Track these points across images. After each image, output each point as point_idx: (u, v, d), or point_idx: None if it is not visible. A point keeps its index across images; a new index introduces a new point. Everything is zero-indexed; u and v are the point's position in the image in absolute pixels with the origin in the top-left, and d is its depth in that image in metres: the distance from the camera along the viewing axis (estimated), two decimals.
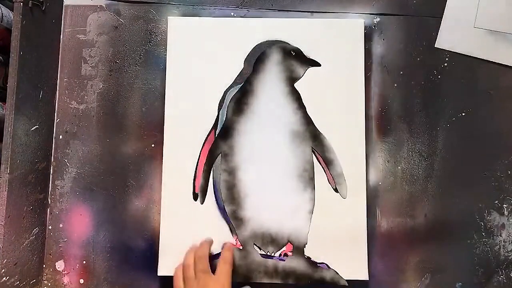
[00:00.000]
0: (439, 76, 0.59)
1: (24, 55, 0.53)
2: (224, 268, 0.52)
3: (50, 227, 0.59)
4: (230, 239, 0.57)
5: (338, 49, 0.58)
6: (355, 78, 0.58)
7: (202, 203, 0.57)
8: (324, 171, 0.57)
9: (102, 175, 0.60)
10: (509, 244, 0.57)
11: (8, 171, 0.51)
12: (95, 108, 0.60)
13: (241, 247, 0.56)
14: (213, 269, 0.52)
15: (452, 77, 0.59)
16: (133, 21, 0.61)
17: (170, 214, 0.57)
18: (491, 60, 0.59)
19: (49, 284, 0.59)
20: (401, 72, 0.59)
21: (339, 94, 0.58)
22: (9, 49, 0.52)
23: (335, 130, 0.57)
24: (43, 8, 0.56)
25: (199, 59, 0.58)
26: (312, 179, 0.57)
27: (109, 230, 0.59)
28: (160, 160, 0.58)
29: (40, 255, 0.58)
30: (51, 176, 0.60)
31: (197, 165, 0.57)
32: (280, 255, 0.56)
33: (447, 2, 0.59)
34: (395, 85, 0.59)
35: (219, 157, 0.57)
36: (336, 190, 0.57)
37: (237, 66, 0.58)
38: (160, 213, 0.57)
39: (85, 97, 0.60)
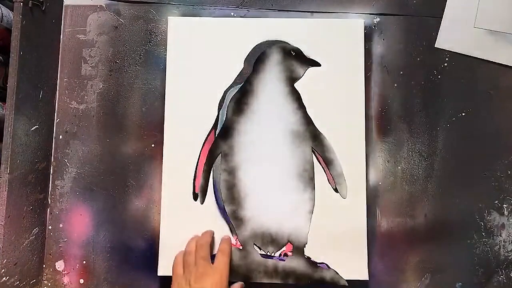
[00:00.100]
0: (439, 76, 0.59)
1: (24, 55, 0.53)
2: (222, 259, 0.52)
3: (50, 227, 0.59)
4: (231, 239, 0.56)
5: (338, 49, 0.58)
6: (355, 78, 0.58)
7: (202, 203, 0.57)
8: (324, 171, 0.57)
9: (102, 175, 0.60)
10: (509, 244, 0.57)
11: (8, 171, 0.51)
12: (95, 108, 0.60)
13: (241, 247, 0.56)
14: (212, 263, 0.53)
15: (452, 77, 0.59)
16: (133, 21, 0.61)
17: (170, 214, 0.57)
18: (491, 60, 0.59)
19: (49, 284, 0.59)
20: (401, 72, 0.59)
21: (339, 94, 0.58)
22: (9, 49, 0.52)
23: (335, 130, 0.57)
24: (43, 8, 0.56)
25: (199, 59, 0.58)
26: (312, 179, 0.57)
27: (109, 230, 0.59)
28: (160, 160, 0.58)
29: (40, 255, 0.58)
30: (51, 176, 0.60)
31: (197, 165, 0.57)
32: (280, 255, 0.56)
33: (447, 2, 0.59)
34: (395, 85, 0.59)
35: (219, 157, 0.57)
36: (336, 190, 0.57)
37: (237, 66, 0.58)
38: (160, 213, 0.57)
39: (85, 97, 0.60)
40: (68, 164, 0.60)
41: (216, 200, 0.57)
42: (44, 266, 0.59)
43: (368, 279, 0.56)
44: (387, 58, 0.59)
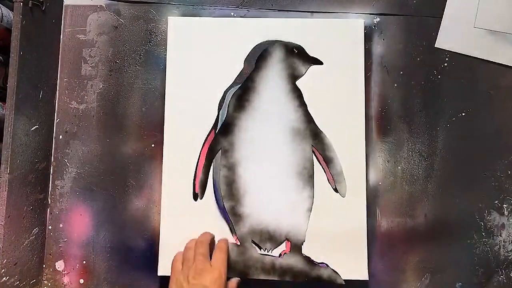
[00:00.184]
0: (439, 76, 0.59)
1: (24, 55, 0.53)
2: (220, 256, 0.52)
3: (50, 227, 0.59)
4: (230, 238, 0.57)
5: (338, 49, 0.58)
6: (355, 78, 0.58)
7: (201, 198, 0.57)
8: (324, 170, 0.57)
9: (102, 175, 0.60)
10: (509, 244, 0.57)
11: (8, 171, 0.51)
12: (95, 108, 0.60)
13: (239, 243, 0.56)
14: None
15: (452, 77, 0.59)
16: (133, 21, 0.61)
17: (170, 214, 0.57)
18: (491, 60, 0.59)
19: (49, 284, 0.59)
20: (401, 72, 0.59)
21: (339, 94, 0.58)
22: (9, 49, 0.52)
23: (335, 130, 0.57)
24: (43, 8, 0.56)
25: (199, 59, 0.58)
26: (311, 177, 0.57)
27: (109, 230, 0.59)
28: (160, 160, 0.58)
29: (40, 255, 0.58)
30: (51, 176, 0.60)
31: (197, 165, 0.57)
32: (280, 255, 0.56)
33: (447, 2, 0.59)
34: (395, 85, 0.59)
35: (219, 153, 0.57)
36: (336, 190, 0.57)
37: (237, 66, 0.58)
38: (160, 213, 0.57)
39: (85, 97, 0.60)
40: (68, 164, 0.60)
41: (216, 200, 0.57)
42: (44, 266, 0.59)
43: (368, 279, 0.55)
44: (387, 58, 0.59)
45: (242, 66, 0.58)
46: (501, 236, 0.57)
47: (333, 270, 0.55)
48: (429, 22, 0.60)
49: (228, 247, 0.55)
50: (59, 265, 0.59)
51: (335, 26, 0.59)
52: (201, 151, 0.57)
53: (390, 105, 0.59)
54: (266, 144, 0.57)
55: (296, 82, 0.58)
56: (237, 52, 0.58)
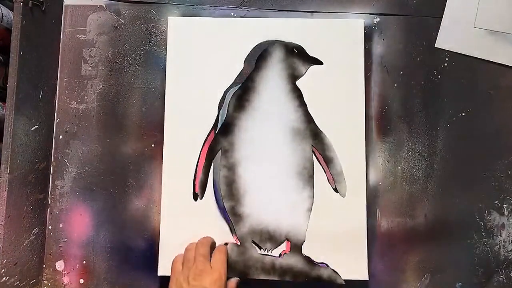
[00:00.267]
0: (439, 76, 0.59)
1: (24, 55, 0.53)
2: (219, 257, 0.52)
3: (50, 227, 0.59)
4: (230, 239, 0.57)
5: (338, 49, 0.58)
6: (355, 78, 0.58)
7: (201, 198, 0.57)
8: (324, 170, 0.57)
9: (102, 175, 0.60)
10: (509, 244, 0.57)
11: (8, 171, 0.51)
12: (95, 108, 0.60)
13: (239, 243, 0.56)
14: None
15: (452, 77, 0.59)
16: (133, 21, 0.61)
17: (170, 214, 0.57)
18: (491, 60, 0.59)
19: (49, 284, 0.59)
20: (401, 72, 0.59)
21: (339, 94, 0.58)
22: (9, 49, 0.52)
23: (335, 130, 0.57)
24: (43, 8, 0.56)
25: (199, 59, 0.58)
26: (311, 177, 0.57)
27: (109, 230, 0.59)
28: (160, 160, 0.58)
29: (40, 255, 0.58)
30: (51, 176, 0.60)
31: (197, 165, 0.57)
32: (280, 255, 0.56)
33: (447, 2, 0.59)
34: (395, 85, 0.59)
35: (219, 153, 0.57)
36: (336, 190, 0.57)
37: (237, 66, 0.58)
38: (160, 213, 0.57)
39: (85, 97, 0.60)
40: (68, 164, 0.60)
41: (216, 200, 0.57)
42: (44, 266, 0.59)
43: (368, 279, 0.55)
44: (387, 58, 0.59)
45: (242, 66, 0.58)
46: (501, 236, 0.57)
47: (333, 270, 0.55)
48: (429, 22, 0.60)
49: (227, 248, 0.55)
50: (59, 265, 0.59)
51: (335, 26, 0.58)
52: (201, 151, 0.57)
53: (390, 105, 0.59)
54: (266, 144, 0.57)
55: (296, 82, 0.58)
56: (237, 52, 0.58)
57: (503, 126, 0.58)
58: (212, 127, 0.58)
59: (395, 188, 0.58)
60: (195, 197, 0.57)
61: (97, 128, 0.60)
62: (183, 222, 0.57)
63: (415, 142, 0.59)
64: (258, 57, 0.58)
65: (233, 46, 0.58)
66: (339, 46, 0.58)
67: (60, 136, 0.60)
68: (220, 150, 0.57)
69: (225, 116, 0.57)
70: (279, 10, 0.61)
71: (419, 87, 0.59)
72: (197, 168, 0.57)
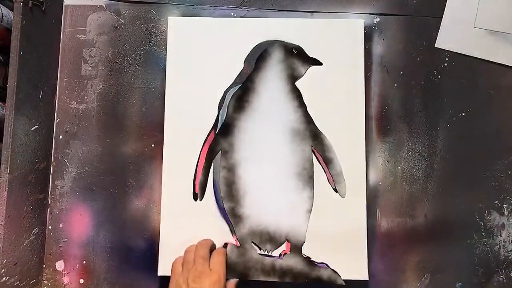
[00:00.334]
0: (439, 76, 0.59)
1: (24, 55, 0.53)
2: (218, 259, 0.52)
3: (50, 227, 0.59)
4: (230, 239, 0.57)
5: (338, 49, 0.58)
6: (355, 78, 0.58)
7: (201, 199, 0.57)
8: (324, 170, 0.57)
9: (102, 175, 0.60)
10: (509, 244, 0.57)
11: (8, 171, 0.51)
12: (95, 108, 0.60)
13: (239, 244, 0.56)
14: None
15: (452, 77, 0.59)
16: (133, 21, 0.61)
17: (170, 214, 0.57)
18: (491, 60, 0.59)
19: (49, 284, 0.59)
20: (401, 72, 0.59)
21: (339, 94, 0.58)
22: (9, 49, 0.52)
23: (335, 130, 0.57)
24: (43, 8, 0.56)
25: (199, 59, 0.58)
26: (311, 177, 0.57)
27: (109, 230, 0.59)
28: (160, 160, 0.58)
29: (40, 255, 0.58)
30: (51, 176, 0.60)
31: (197, 165, 0.57)
32: (280, 255, 0.56)
33: (447, 2, 0.59)
34: (395, 85, 0.59)
35: (219, 154, 0.57)
36: (335, 190, 0.57)
37: (237, 66, 0.58)
38: (160, 213, 0.57)
39: (85, 97, 0.60)
40: (68, 164, 0.60)
41: (216, 200, 0.57)
42: (44, 266, 0.59)
43: (368, 279, 0.55)
44: (387, 58, 0.59)
45: (242, 66, 0.58)
46: (501, 236, 0.57)
47: (333, 270, 0.55)
48: (429, 22, 0.60)
49: (226, 250, 0.55)
50: (59, 265, 0.59)
51: (335, 26, 0.58)
52: (201, 151, 0.57)
53: (390, 105, 0.59)
54: (265, 145, 0.57)
55: (296, 83, 0.58)
56: (237, 52, 0.58)
57: (503, 126, 0.58)
58: (212, 127, 0.58)
59: (395, 188, 0.58)
60: (195, 197, 0.57)
61: (97, 128, 0.60)
62: (183, 222, 0.57)
63: (415, 142, 0.59)
64: (258, 58, 0.58)
65: (233, 46, 0.58)
66: (339, 46, 0.58)
67: (60, 136, 0.60)
68: (220, 151, 0.57)
69: (224, 116, 0.57)
70: (279, 10, 0.61)
71: (419, 87, 0.59)
72: (197, 168, 0.57)
